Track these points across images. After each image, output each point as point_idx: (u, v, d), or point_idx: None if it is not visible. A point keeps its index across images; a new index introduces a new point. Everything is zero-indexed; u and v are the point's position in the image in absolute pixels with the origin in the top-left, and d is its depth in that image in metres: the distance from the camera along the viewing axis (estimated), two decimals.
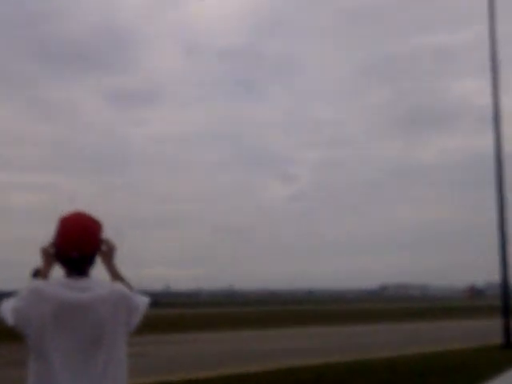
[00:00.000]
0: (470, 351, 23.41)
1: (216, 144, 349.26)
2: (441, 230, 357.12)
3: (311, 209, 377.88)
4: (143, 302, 3.84)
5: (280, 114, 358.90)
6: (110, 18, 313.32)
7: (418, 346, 25.50)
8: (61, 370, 3.48)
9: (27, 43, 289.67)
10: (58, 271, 3.74)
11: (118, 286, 3.75)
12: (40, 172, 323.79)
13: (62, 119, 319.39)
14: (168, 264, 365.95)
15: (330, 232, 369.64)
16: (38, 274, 3.77)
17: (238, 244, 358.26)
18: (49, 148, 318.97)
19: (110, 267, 3.86)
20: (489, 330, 31.94)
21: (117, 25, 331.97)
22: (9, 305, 3.55)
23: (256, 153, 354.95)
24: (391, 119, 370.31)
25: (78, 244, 3.66)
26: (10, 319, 3.51)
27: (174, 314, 72.24)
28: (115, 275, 3.85)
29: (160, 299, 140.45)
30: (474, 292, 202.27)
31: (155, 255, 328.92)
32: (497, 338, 26.10)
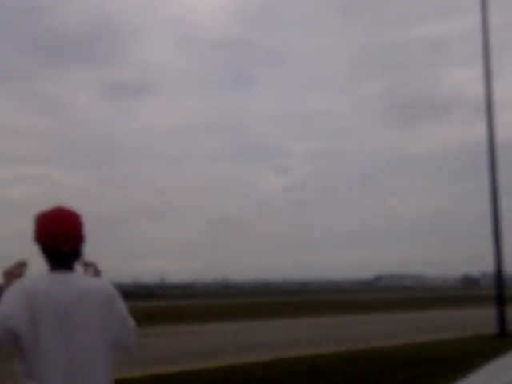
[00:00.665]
0: (465, 340, 23.49)
1: (210, 136, 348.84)
2: (435, 220, 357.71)
3: (306, 200, 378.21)
4: (132, 323, 3.80)
5: (274, 106, 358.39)
6: (102, 10, 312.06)
7: (413, 336, 25.57)
8: (54, 365, 3.46)
9: (20, 37, 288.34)
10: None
11: (106, 281, 3.77)
12: (34, 165, 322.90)
13: (56, 112, 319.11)
14: (163, 256, 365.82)
15: (324, 223, 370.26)
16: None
17: (233, 236, 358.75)
18: (42, 141, 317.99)
19: None
20: (483, 319, 32.03)
21: (109, 17, 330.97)
22: None
23: (250, 144, 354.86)
24: (385, 110, 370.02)
25: (68, 239, 3.66)
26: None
27: (169, 305, 72.31)
28: None
29: (155, 291, 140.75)
30: (469, 281, 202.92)
31: (150, 248, 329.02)
32: (491, 327, 26.18)
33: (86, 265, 3.85)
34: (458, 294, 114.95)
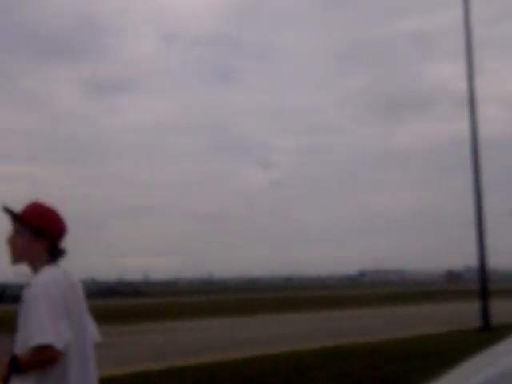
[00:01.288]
0: (450, 334, 23.58)
1: (193, 132, 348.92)
2: (418, 215, 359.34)
3: (290, 196, 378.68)
4: None
5: (257, 101, 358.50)
6: (84, 6, 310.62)
7: (397, 331, 25.64)
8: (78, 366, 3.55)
9: (0, 32, 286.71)
10: None
11: None
12: (15, 163, 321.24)
13: (37, 109, 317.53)
14: (146, 253, 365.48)
15: (308, 219, 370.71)
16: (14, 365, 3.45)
17: (217, 232, 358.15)
18: (23, 138, 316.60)
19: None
20: (467, 314, 32.16)
21: (91, 13, 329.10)
22: (48, 327, 3.38)
23: (235, 140, 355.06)
24: (369, 105, 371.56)
25: (66, 233, 3.75)
26: (59, 344, 3.40)
27: (154, 303, 72.20)
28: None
29: (139, 289, 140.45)
30: (453, 276, 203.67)
31: (133, 245, 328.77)
32: (475, 321, 26.30)
33: None
34: (442, 288, 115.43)
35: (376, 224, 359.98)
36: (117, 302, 60.19)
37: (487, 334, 23.60)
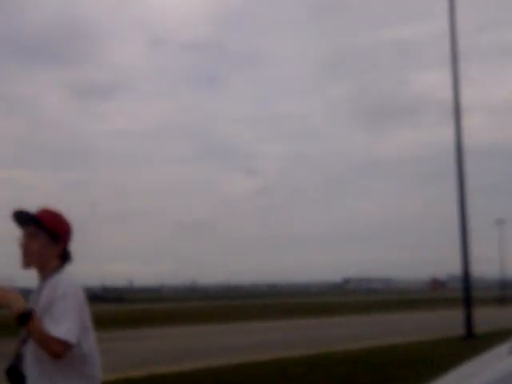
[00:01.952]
0: (433, 342, 23.63)
1: (180, 137, 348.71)
2: (403, 223, 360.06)
3: (275, 202, 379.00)
4: None
5: (244, 108, 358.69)
6: (71, 10, 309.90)
7: (381, 338, 25.69)
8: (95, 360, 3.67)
9: None
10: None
11: None
12: (0, 167, 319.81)
13: (23, 113, 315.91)
14: (130, 259, 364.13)
15: (293, 226, 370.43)
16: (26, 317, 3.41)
17: (201, 239, 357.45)
18: (9, 142, 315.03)
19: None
20: (451, 322, 32.27)
21: (78, 17, 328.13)
22: (72, 325, 3.43)
23: (220, 146, 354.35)
24: (354, 112, 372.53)
25: (72, 238, 3.80)
26: (72, 342, 3.44)
27: (137, 309, 72.02)
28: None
29: (123, 295, 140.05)
30: (437, 284, 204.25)
31: (117, 251, 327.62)
32: (459, 329, 26.39)
33: None
34: (426, 296, 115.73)
35: (361, 232, 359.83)
36: (100, 308, 59.89)
37: (470, 341, 23.66)
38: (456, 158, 27.53)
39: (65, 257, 3.72)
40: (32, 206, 3.78)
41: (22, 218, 3.67)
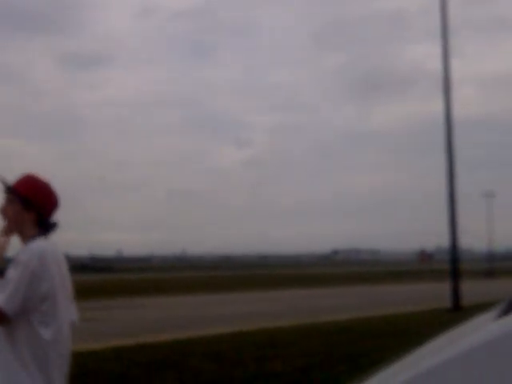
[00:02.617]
0: (421, 314, 23.82)
1: (170, 108, 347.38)
2: (392, 195, 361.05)
3: (265, 174, 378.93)
4: None
5: (235, 78, 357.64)
6: None
7: (369, 309, 25.85)
8: (65, 328, 3.72)
9: None
10: None
11: None
12: None
13: (11, 82, 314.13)
14: (120, 230, 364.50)
15: (283, 197, 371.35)
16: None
17: (192, 209, 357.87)
18: None
19: None
20: (438, 294, 32.47)
21: None
22: (13, 294, 3.51)
23: (210, 117, 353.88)
24: (345, 84, 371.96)
25: (58, 207, 3.84)
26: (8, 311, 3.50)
27: (127, 279, 72.16)
28: None
29: (112, 264, 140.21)
30: (425, 256, 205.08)
31: (108, 221, 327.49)
32: (446, 301, 26.58)
33: None
34: (414, 268, 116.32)
35: (350, 203, 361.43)
36: (88, 278, 60.00)
37: (457, 313, 23.84)
38: (445, 131, 27.55)
39: (44, 225, 3.75)
40: (19, 175, 3.84)
41: (2, 185, 3.82)
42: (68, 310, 3.72)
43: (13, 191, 3.76)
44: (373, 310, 25.25)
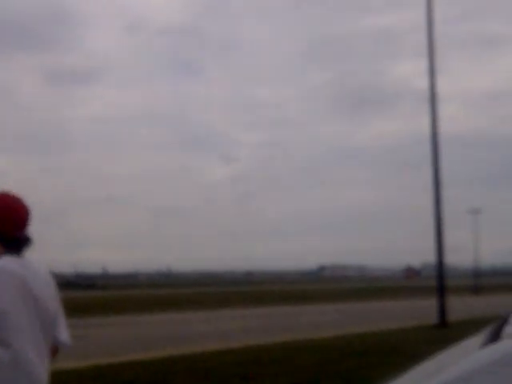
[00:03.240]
0: (407, 330, 23.76)
1: (157, 124, 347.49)
2: (378, 212, 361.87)
3: (251, 190, 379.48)
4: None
5: (221, 95, 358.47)
6: None
7: (355, 326, 25.78)
8: (28, 350, 3.39)
9: None
10: None
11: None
12: None
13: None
14: (105, 246, 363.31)
15: (269, 213, 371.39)
16: None
17: (177, 226, 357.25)
18: None
19: None
20: (425, 310, 32.47)
21: (55, 3, 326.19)
22: None
23: (197, 133, 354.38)
24: (331, 100, 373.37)
25: (24, 223, 3.59)
26: None
27: (112, 296, 71.84)
28: None
29: (97, 281, 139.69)
30: (412, 272, 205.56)
31: (92, 237, 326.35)
32: (432, 318, 26.56)
33: None
34: (401, 284, 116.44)
35: (337, 220, 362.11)
36: (72, 295, 59.69)
37: (443, 330, 23.84)
38: (431, 147, 27.62)
39: (12, 243, 3.61)
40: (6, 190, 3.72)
41: None
42: (38, 331, 3.54)
43: None
44: (359, 327, 25.18)
